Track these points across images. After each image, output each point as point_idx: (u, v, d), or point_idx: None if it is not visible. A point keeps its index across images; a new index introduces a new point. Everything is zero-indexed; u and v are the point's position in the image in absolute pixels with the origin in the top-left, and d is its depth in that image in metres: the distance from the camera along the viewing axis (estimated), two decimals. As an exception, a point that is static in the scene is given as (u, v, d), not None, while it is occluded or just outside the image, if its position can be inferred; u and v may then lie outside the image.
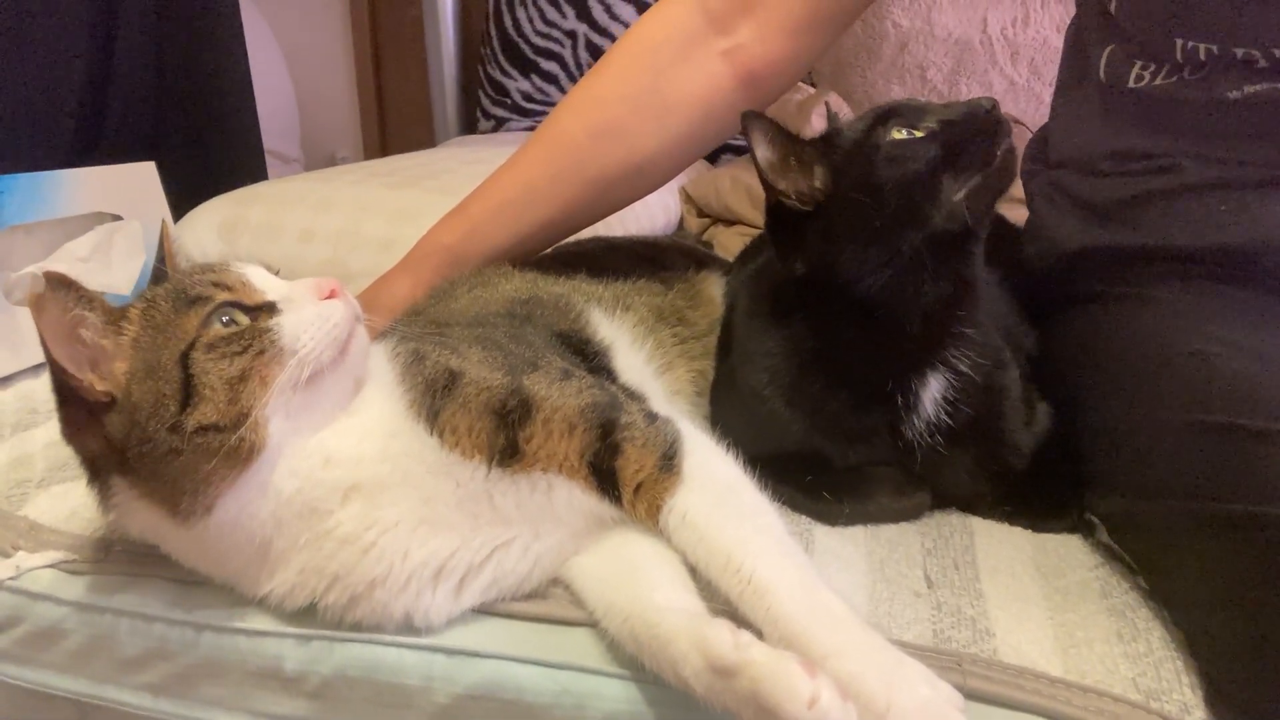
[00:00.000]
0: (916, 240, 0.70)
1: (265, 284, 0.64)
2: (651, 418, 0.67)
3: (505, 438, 0.62)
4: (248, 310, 0.61)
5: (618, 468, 0.63)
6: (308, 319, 0.61)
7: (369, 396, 0.65)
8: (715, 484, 0.64)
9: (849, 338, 0.76)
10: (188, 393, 0.57)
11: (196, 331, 0.59)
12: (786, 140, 0.74)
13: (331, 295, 0.63)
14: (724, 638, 0.52)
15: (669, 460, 0.64)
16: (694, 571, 0.62)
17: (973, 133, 0.71)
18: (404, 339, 0.70)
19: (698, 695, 0.54)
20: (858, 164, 0.72)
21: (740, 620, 0.56)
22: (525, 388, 0.64)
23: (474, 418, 0.63)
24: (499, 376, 0.65)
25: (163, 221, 0.72)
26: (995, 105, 0.72)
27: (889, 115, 0.74)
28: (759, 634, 0.55)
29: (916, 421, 0.75)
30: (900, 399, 0.75)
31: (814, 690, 0.48)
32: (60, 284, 0.57)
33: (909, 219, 0.70)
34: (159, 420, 0.57)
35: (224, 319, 0.60)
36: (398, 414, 0.64)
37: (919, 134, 0.71)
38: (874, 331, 0.75)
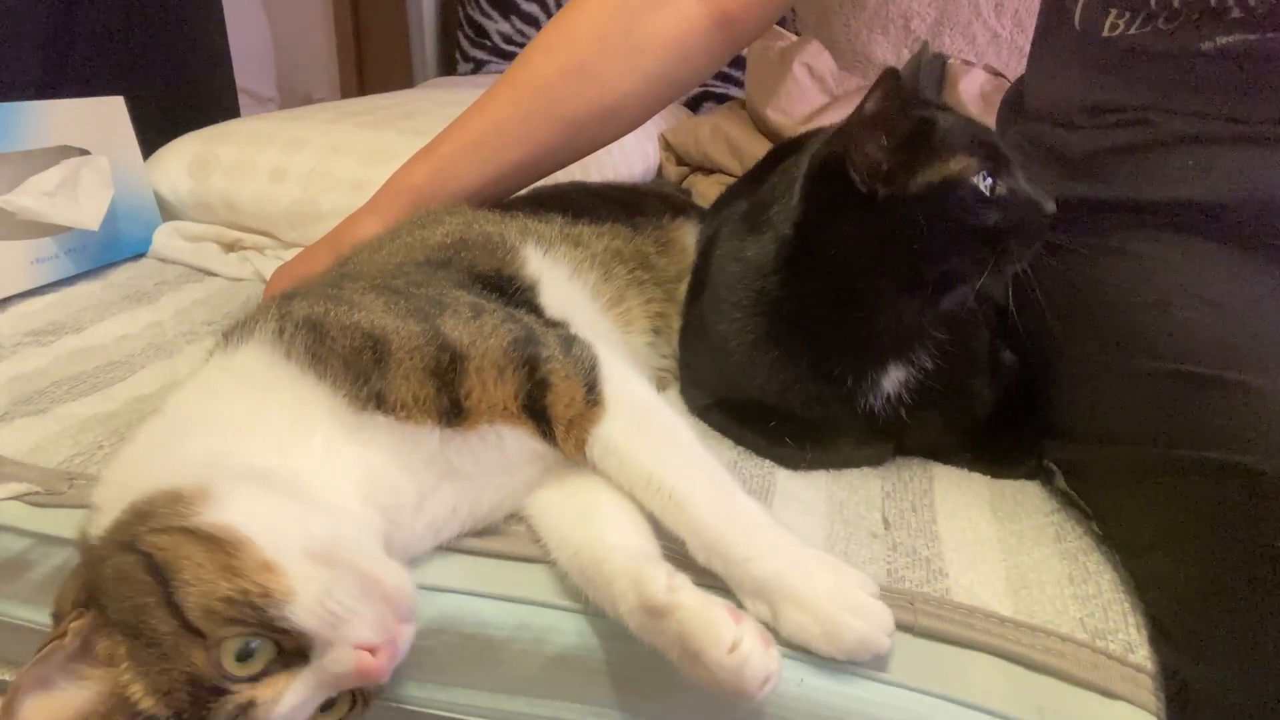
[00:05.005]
0: (932, 276, 0.71)
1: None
2: (568, 343, 0.66)
3: (448, 399, 0.61)
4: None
5: (549, 405, 0.63)
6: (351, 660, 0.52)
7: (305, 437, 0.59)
8: (633, 407, 0.65)
9: (822, 314, 0.75)
10: None
11: None
12: (901, 113, 0.70)
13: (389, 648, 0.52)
14: (658, 579, 0.53)
15: (592, 390, 0.64)
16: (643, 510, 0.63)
17: (1026, 225, 0.71)
18: (281, 310, 0.64)
19: (633, 632, 0.56)
20: (934, 184, 0.69)
21: (686, 562, 0.58)
22: (446, 335, 0.62)
23: (417, 385, 0.61)
24: (413, 325, 0.62)
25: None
26: (1055, 213, 0.72)
27: (993, 152, 0.71)
28: (684, 546, 0.58)
29: (875, 399, 0.76)
30: (858, 382, 0.75)
31: (736, 635, 0.51)
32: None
33: (938, 260, 0.70)
34: None
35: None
36: (343, 422, 0.59)
37: (988, 192, 0.69)
38: (848, 317, 0.74)
